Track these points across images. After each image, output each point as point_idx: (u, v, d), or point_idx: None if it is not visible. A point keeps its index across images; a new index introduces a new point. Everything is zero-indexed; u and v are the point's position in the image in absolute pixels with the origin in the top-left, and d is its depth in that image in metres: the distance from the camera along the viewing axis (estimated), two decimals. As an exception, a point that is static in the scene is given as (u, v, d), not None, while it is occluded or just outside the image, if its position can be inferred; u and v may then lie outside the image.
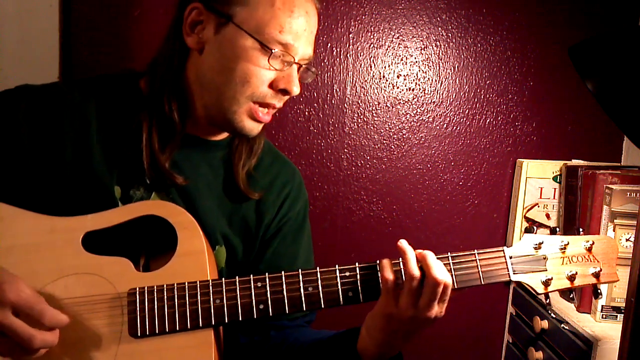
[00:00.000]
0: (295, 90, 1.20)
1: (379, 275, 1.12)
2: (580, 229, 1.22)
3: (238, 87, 1.17)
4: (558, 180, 1.95)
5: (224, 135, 1.31)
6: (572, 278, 1.16)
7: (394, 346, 1.14)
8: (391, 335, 1.12)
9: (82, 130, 1.21)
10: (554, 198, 1.96)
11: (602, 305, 1.62)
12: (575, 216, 1.77)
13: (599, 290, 1.20)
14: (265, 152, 1.36)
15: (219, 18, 1.17)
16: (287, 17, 1.15)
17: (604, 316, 1.62)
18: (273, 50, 1.15)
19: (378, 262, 1.14)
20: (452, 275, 1.13)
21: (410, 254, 1.10)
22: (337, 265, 1.13)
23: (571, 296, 1.23)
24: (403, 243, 1.12)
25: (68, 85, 1.27)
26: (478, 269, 1.14)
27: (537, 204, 1.96)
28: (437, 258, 1.13)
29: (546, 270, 1.17)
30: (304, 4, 1.18)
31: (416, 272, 1.08)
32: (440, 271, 1.08)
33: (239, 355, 1.33)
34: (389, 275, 1.10)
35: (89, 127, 1.22)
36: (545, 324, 1.71)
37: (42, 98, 1.22)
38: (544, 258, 1.17)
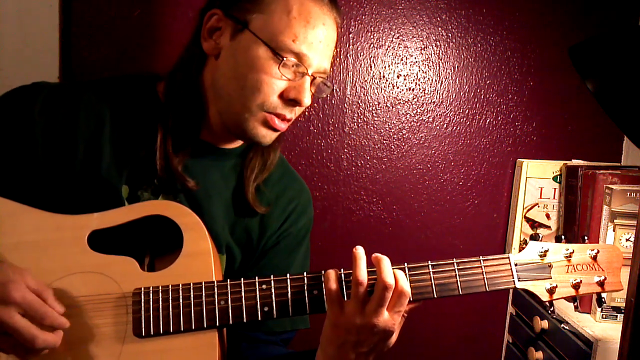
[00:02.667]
0: (306, 101, 1.18)
1: (323, 286, 1.11)
2: (586, 237, 1.22)
3: (249, 94, 1.16)
4: (558, 180, 1.96)
5: (237, 143, 1.31)
6: (576, 286, 1.16)
7: None
8: (341, 348, 1.09)
9: (96, 129, 1.21)
10: (554, 198, 1.97)
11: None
12: (575, 216, 1.78)
13: (603, 299, 1.20)
14: (277, 165, 1.35)
15: (235, 24, 1.17)
16: (302, 26, 1.14)
17: (604, 316, 1.62)
18: (284, 59, 1.14)
19: (323, 272, 1.12)
20: (457, 282, 1.13)
21: (361, 260, 1.08)
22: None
23: (576, 305, 1.23)
24: (358, 250, 1.09)
25: (84, 84, 1.27)
26: (483, 275, 1.14)
27: (537, 204, 1.97)
28: (442, 264, 1.13)
29: (551, 278, 1.17)
30: (322, 15, 1.17)
31: (362, 278, 1.06)
32: (389, 275, 1.05)
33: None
34: (332, 285, 1.08)
35: (102, 126, 1.22)
36: (545, 324, 1.72)
37: (58, 96, 1.22)
38: (549, 266, 1.17)
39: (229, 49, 1.18)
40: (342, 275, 1.11)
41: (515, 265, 1.16)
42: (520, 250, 1.21)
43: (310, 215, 1.41)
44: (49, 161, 1.19)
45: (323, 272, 1.12)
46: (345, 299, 1.09)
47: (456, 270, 1.13)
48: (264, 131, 1.20)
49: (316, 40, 1.16)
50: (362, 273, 1.06)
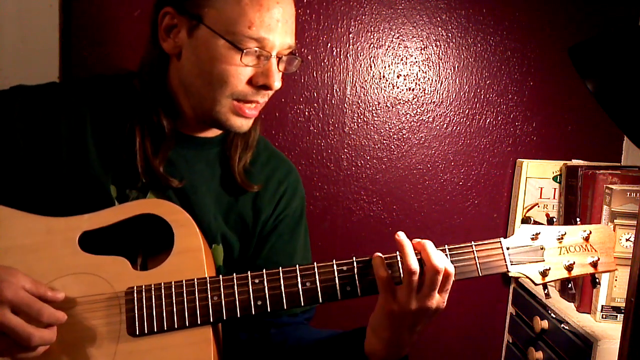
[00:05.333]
0: (276, 85, 1.18)
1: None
2: (578, 219, 1.22)
3: (217, 88, 1.16)
4: (558, 180, 1.95)
5: (217, 132, 1.31)
6: (569, 268, 1.17)
7: (401, 342, 1.12)
8: (397, 331, 1.11)
9: (78, 130, 1.21)
10: (554, 198, 1.96)
11: (602, 305, 1.61)
12: (576, 216, 1.77)
13: (597, 280, 1.20)
14: (262, 149, 1.36)
15: (190, 21, 1.16)
16: (256, 11, 1.13)
17: (604, 316, 1.62)
18: (244, 50, 1.13)
19: (316, 263, 1.14)
20: None
21: (408, 247, 1.09)
22: (334, 260, 1.13)
23: (570, 287, 1.23)
24: (401, 236, 1.11)
25: (63, 85, 1.28)
26: (475, 260, 1.14)
27: (537, 204, 1.96)
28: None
29: (544, 260, 1.17)
30: None
31: (415, 266, 1.07)
32: (440, 260, 1.07)
33: (240, 352, 1.33)
34: (383, 272, 1.09)
35: (84, 127, 1.22)
36: (545, 324, 1.71)
37: (37, 98, 1.22)
38: (542, 248, 1.17)
39: (189, 46, 1.18)
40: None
41: (508, 249, 1.16)
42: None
43: (302, 194, 1.42)
44: (34, 164, 1.19)
45: (315, 263, 1.13)
46: None
47: (448, 257, 1.13)
48: (238, 121, 1.21)
49: (273, 21, 1.14)
50: (414, 261, 1.08)
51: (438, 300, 1.08)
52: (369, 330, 1.16)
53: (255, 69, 1.16)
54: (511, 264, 1.16)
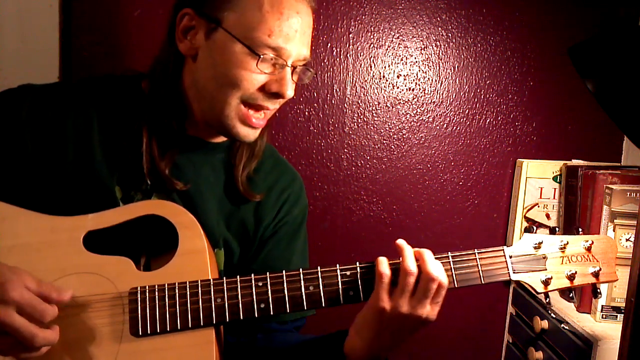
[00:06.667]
0: (289, 93, 1.18)
1: (375, 271, 1.13)
2: (580, 229, 1.22)
3: (228, 90, 1.16)
4: (558, 180, 1.95)
5: (225, 137, 1.31)
6: (571, 277, 1.17)
7: (382, 346, 1.13)
8: (381, 334, 1.11)
9: (84, 130, 1.21)
10: (554, 198, 1.96)
11: (602, 305, 1.62)
12: (575, 216, 1.77)
13: (599, 290, 1.21)
14: (267, 156, 1.36)
15: (209, 23, 1.16)
16: (276, 20, 1.13)
17: (604, 316, 1.62)
18: (261, 56, 1.13)
19: (319, 267, 1.14)
20: (452, 275, 1.13)
21: (408, 250, 1.11)
22: (337, 265, 1.13)
23: (571, 296, 1.24)
24: (401, 241, 1.12)
25: (71, 85, 1.27)
26: (478, 268, 1.14)
27: (537, 204, 1.96)
28: (437, 257, 1.13)
29: (546, 269, 1.17)
30: (295, 4, 1.15)
31: (413, 268, 1.08)
32: (435, 268, 1.08)
33: (226, 355, 1.33)
34: (385, 270, 1.10)
35: (91, 127, 1.22)
36: (545, 324, 1.71)
37: (45, 97, 1.22)
38: (544, 257, 1.18)
39: (205, 48, 1.17)
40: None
41: (510, 257, 1.17)
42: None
43: (305, 203, 1.42)
44: (40, 163, 1.19)
45: (319, 267, 1.13)
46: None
47: (451, 264, 1.14)
48: (245, 130, 1.20)
49: (292, 30, 1.15)
50: (412, 263, 1.09)
51: (428, 310, 1.09)
52: (352, 329, 1.16)
53: (269, 76, 1.16)
54: (514, 272, 1.16)
